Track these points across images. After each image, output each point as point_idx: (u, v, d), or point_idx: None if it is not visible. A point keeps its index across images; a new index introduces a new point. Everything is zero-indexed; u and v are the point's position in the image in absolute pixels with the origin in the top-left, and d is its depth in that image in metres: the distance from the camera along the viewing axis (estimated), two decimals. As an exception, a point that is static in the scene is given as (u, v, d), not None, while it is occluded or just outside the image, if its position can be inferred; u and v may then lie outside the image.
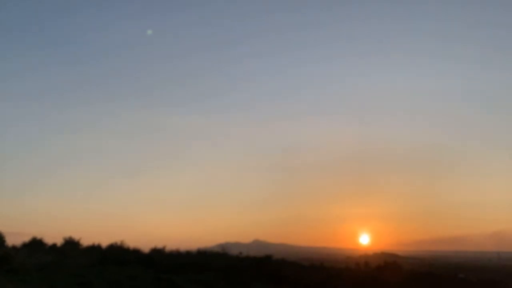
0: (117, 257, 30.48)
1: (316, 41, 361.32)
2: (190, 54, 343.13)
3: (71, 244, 38.38)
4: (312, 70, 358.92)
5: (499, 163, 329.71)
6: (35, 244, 37.14)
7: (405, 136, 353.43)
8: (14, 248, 34.64)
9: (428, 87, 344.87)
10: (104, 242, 36.95)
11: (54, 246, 38.06)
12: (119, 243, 34.83)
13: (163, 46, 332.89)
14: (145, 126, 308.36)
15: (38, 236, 38.36)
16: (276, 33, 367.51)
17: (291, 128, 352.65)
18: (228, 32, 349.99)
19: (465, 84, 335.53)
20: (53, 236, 40.91)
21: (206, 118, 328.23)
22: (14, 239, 36.11)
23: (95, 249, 37.36)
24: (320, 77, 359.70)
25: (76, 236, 39.26)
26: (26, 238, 37.67)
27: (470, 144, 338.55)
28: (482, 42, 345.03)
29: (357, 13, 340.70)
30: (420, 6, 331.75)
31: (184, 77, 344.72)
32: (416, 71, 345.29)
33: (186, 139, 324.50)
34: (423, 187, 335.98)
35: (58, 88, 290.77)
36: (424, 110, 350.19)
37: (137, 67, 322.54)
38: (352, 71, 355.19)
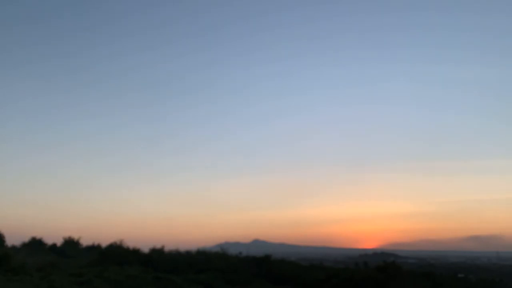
0: (117, 257, 30.51)
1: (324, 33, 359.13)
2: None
3: (71, 244, 38.52)
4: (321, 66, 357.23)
5: (500, 163, 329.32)
6: (35, 244, 37.28)
7: (405, 135, 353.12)
8: (14, 248, 34.78)
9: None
10: (104, 242, 37.07)
11: (54, 246, 38.20)
12: (119, 243, 34.91)
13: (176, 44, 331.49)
14: (146, 125, 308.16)
15: (38, 236, 38.53)
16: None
17: (291, 126, 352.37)
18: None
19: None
20: (53, 236, 41.01)
21: (205, 117, 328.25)
22: (14, 239, 36.31)
23: (95, 249, 37.49)
24: (325, 71, 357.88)
25: (76, 236, 39.43)
26: (26, 238, 37.85)
27: (473, 144, 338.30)
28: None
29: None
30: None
31: (181, 74, 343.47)
32: (422, 63, 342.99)
33: (186, 139, 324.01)
34: (423, 187, 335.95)
35: (57, 88, 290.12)
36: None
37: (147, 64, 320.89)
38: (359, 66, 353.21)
